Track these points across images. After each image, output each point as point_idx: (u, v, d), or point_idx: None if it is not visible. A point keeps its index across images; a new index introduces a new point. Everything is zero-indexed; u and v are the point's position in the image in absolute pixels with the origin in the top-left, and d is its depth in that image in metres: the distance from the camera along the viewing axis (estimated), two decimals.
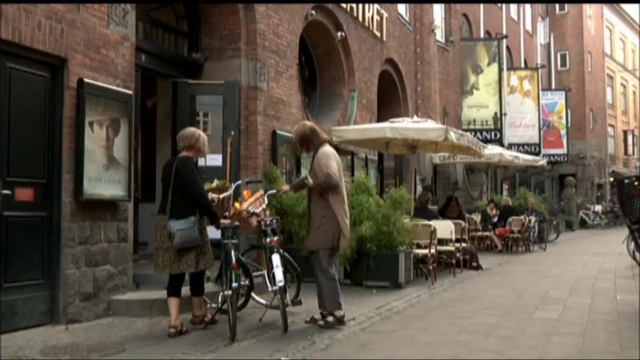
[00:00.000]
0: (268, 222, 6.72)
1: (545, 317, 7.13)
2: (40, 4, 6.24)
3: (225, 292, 6.22)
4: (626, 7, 44.96)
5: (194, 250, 6.17)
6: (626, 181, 7.56)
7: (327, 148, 6.69)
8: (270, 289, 6.55)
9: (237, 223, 6.52)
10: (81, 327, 6.42)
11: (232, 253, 6.19)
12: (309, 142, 6.76)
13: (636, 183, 7.31)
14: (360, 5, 14.11)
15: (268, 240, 6.54)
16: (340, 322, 6.52)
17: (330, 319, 6.51)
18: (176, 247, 6.06)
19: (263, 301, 7.09)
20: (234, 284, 6.01)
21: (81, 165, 6.62)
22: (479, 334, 6.24)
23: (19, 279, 6.15)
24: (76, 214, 6.63)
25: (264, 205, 7.11)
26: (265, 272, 6.82)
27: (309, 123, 7.10)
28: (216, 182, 7.13)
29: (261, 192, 7.39)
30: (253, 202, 7.12)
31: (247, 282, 6.82)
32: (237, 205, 7.04)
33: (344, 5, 13.28)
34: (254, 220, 6.95)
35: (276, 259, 6.35)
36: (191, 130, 6.58)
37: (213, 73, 10.02)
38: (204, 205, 6.24)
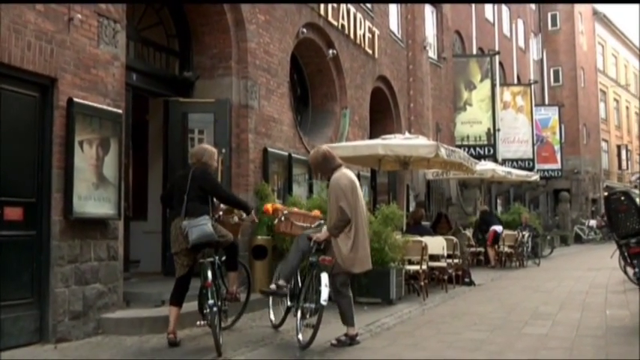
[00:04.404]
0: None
1: (534, 332, 7.15)
2: (29, 25, 6.30)
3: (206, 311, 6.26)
4: (617, 22, 45.33)
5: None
6: (612, 196, 7.61)
7: (339, 175, 6.49)
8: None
9: (217, 239, 6.50)
10: (70, 346, 6.43)
11: (208, 271, 6.28)
12: (322, 167, 6.70)
13: (622, 198, 7.37)
14: (352, 23, 14.21)
15: (321, 259, 6.37)
16: (353, 339, 6.48)
17: (343, 337, 6.49)
18: (193, 243, 6.25)
19: None
20: (210, 301, 6.09)
21: (70, 184, 6.65)
22: (466, 350, 6.26)
23: (8, 298, 6.14)
24: (66, 232, 6.66)
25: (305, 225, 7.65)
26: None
27: (324, 148, 6.89)
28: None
29: (319, 216, 7.90)
30: (297, 214, 7.91)
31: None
32: (269, 206, 8.65)
33: (335, 23, 13.38)
34: (289, 226, 7.70)
35: (325, 278, 6.26)
36: (199, 146, 7.29)
37: (204, 91, 10.10)
38: (234, 201, 7.01)
